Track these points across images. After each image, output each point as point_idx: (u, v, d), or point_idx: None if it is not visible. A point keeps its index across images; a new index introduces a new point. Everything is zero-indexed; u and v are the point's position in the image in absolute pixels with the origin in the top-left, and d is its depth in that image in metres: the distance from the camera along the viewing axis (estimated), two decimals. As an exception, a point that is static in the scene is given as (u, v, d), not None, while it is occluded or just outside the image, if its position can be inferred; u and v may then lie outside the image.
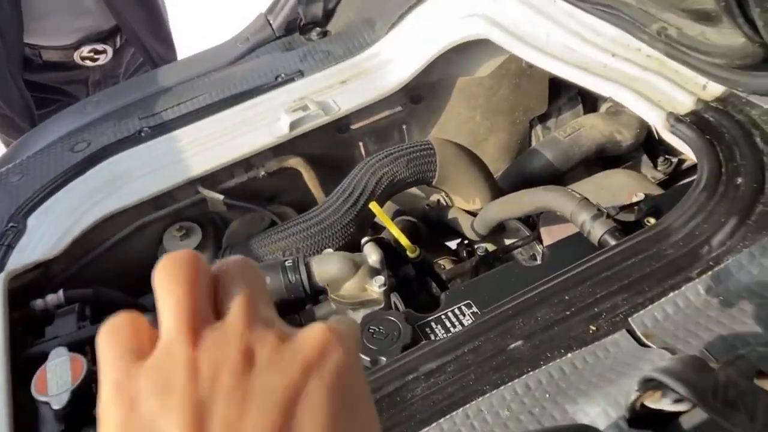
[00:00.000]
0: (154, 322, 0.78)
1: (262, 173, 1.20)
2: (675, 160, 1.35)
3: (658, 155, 1.35)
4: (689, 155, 0.76)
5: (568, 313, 0.61)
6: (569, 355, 0.58)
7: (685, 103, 0.76)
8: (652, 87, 0.79)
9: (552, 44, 0.94)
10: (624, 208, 0.86)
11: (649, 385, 0.43)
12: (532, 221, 1.19)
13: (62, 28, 1.36)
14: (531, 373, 0.57)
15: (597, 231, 0.77)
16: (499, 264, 1.06)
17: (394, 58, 1.22)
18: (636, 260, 0.64)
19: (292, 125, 1.16)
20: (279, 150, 1.20)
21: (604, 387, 0.52)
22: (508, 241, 1.13)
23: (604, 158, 1.35)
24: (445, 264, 1.20)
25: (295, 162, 1.22)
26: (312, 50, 1.29)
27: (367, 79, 1.23)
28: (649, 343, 0.56)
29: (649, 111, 0.78)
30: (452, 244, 1.30)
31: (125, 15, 1.39)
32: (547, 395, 0.55)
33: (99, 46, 1.42)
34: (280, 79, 1.25)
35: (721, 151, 0.68)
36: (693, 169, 1.36)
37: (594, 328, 0.59)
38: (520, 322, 0.62)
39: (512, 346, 0.60)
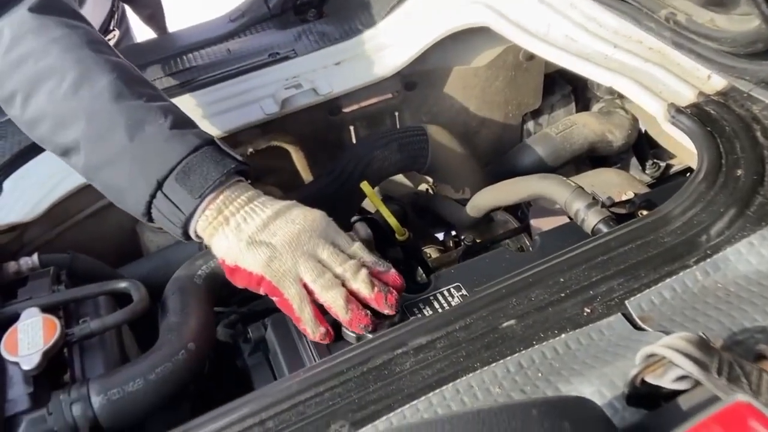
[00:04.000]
0: (131, 288, 0.74)
1: (250, 150, 1.17)
2: (663, 164, 1.36)
3: (646, 159, 1.36)
4: (687, 149, 0.76)
5: (562, 295, 0.60)
6: (563, 335, 0.57)
7: (686, 96, 0.75)
8: (653, 78, 0.79)
9: (553, 34, 0.93)
10: (615, 205, 0.86)
11: (650, 360, 0.42)
12: (521, 215, 1.18)
13: None
14: (524, 351, 0.56)
15: (591, 220, 0.76)
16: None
17: (391, 43, 1.21)
18: (633, 246, 0.63)
19: (284, 103, 1.14)
20: (268, 128, 1.17)
21: (599, 368, 0.51)
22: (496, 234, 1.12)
23: (592, 158, 1.35)
24: (431, 253, 1.19)
25: (284, 141, 1.19)
26: (307, 30, 1.27)
27: (361, 62, 1.21)
28: (645, 327, 0.55)
29: (650, 101, 0.77)
30: (439, 236, 1.29)
31: None
32: (540, 374, 0.54)
33: (110, 35, 1.38)
34: (273, 57, 1.23)
35: (722, 143, 0.68)
36: (680, 174, 1.37)
37: (589, 311, 0.58)
38: (513, 301, 0.61)
39: (505, 324, 0.59)
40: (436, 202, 1.16)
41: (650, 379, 0.42)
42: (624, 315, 0.57)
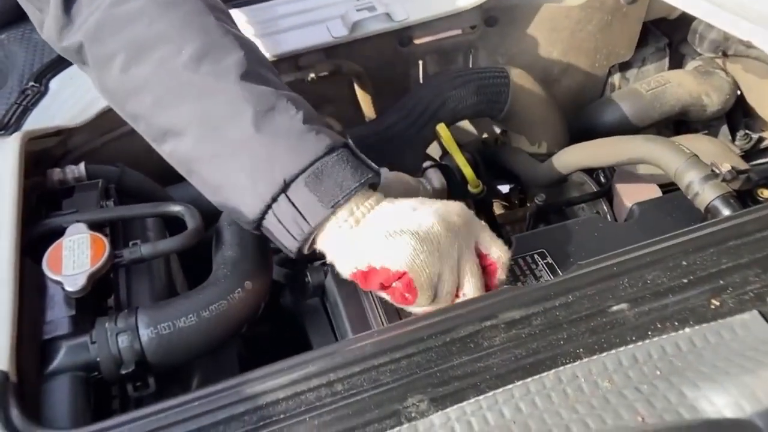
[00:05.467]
0: (185, 213, 0.67)
1: (311, 76, 1.08)
2: (755, 136, 1.24)
3: (738, 128, 1.23)
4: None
5: (685, 281, 0.52)
6: (686, 329, 0.49)
7: None
8: (804, 36, 0.67)
9: (677, -27, 0.81)
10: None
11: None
12: (596, 177, 1.08)
13: None
14: (639, 343, 0.48)
15: (707, 194, 0.67)
16: (556, 217, 0.96)
17: (477, -30, 1.08)
18: (773, 233, 0.54)
19: (354, 26, 1.03)
20: (332, 53, 1.08)
21: (736, 375, 0.44)
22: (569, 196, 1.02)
23: (676, 122, 1.23)
24: (494, 208, 1.10)
25: (349, 69, 1.10)
26: (383, -53, 1.14)
27: (441, -12, 1.09)
28: (792, 332, 0.47)
29: (801, 63, 0.66)
30: (503, 188, 1.20)
31: None
32: (658, 372, 0.46)
33: None
34: (344, -26, 1.11)
35: None
36: (770, 150, 1.25)
37: (717, 303, 0.50)
38: (624, 282, 0.53)
39: (615, 308, 0.51)
40: (507, 154, 1.07)
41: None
42: (761, 313, 0.49)
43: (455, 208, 0.60)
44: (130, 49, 0.61)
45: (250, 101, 0.58)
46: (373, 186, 0.62)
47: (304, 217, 0.57)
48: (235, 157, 0.58)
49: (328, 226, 0.58)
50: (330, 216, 0.57)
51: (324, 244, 0.59)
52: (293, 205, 0.57)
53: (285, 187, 0.57)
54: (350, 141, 0.61)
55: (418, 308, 0.59)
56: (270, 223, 0.58)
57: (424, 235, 0.56)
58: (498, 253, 0.61)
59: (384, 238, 0.56)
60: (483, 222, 0.63)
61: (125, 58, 0.61)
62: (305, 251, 0.60)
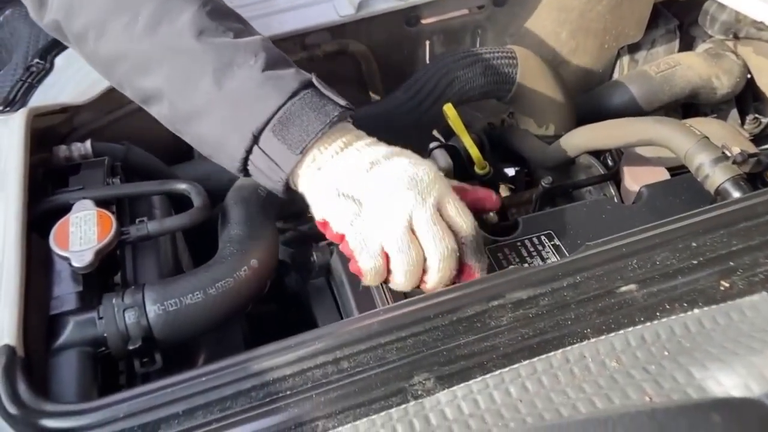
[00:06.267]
0: (191, 191, 0.66)
1: (319, 54, 1.07)
2: (765, 120, 1.23)
3: (748, 112, 1.22)
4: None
5: (694, 262, 0.52)
6: (695, 311, 0.48)
7: None
8: (822, 17, 0.66)
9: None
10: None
11: None
12: (603, 160, 1.07)
13: None
14: (647, 324, 0.48)
15: (717, 177, 0.66)
16: (562, 200, 0.96)
17: (486, -52, 1.07)
18: (784, 215, 0.53)
19: (360, 5, 1.02)
20: (338, 32, 1.07)
21: (744, 356, 0.43)
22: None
23: (684, 106, 1.22)
24: (501, 190, 1.10)
25: (356, 48, 1.09)
26: (392, -77, 1.13)
27: (450, -33, 1.08)
28: (802, 314, 0.46)
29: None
30: (509, 171, 1.19)
31: None
32: (666, 353, 0.46)
33: None
34: (350, -48, 1.10)
35: None
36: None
37: (726, 285, 0.50)
38: (633, 263, 0.53)
39: (623, 289, 0.51)
40: (514, 136, 1.06)
41: None
42: (771, 296, 0.48)
43: (416, 168, 0.59)
44: (96, 22, 0.63)
45: (209, 59, 0.60)
46: (353, 117, 0.63)
47: (278, 165, 0.59)
48: (206, 116, 0.60)
49: (301, 171, 0.60)
50: (301, 162, 0.59)
51: (300, 186, 0.62)
52: (266, 155, 0.59)
53: (255, 140, 0.59)
54: (315, 78, 0.61)
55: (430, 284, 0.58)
56: (254, 171, 0.61)
57: (367, 200, 0.58)
58: (463, 229, 0.59)
59: (335, 196, 0.59)
60: (452, 192, 0.61)
61: (95, 32, 0.63)
62: (296, 190, 0.63)
